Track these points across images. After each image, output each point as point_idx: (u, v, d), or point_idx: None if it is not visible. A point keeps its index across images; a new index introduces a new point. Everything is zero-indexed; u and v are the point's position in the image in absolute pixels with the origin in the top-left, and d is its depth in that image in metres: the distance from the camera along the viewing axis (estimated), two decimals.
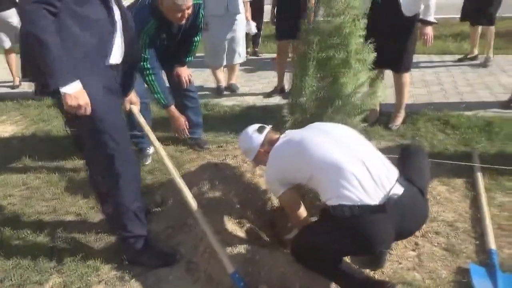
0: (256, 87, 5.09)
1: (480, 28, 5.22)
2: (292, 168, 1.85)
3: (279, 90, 4.70)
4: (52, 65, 1.68)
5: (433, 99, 4.33)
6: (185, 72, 3.15)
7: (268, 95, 4.68)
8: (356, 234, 1.58)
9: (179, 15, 2.61)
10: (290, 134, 2.00)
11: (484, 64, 5.18)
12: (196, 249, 2.20)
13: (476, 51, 5.43)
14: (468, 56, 5.45)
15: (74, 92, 1.74)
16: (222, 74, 4.98)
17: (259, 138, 2.03)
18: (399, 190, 1.62)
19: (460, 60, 5.47)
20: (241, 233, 2.29)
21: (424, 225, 2.35)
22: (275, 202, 2.65)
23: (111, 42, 1.90)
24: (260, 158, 2.05)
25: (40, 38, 1.65)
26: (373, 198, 1.59)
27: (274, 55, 5.87)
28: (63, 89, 1.71)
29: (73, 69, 1.74)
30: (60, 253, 2.31)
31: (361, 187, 1.59)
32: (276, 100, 4.58)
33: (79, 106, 1.76)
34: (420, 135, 3.50)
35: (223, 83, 4.95)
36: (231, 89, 4.91)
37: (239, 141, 2.18)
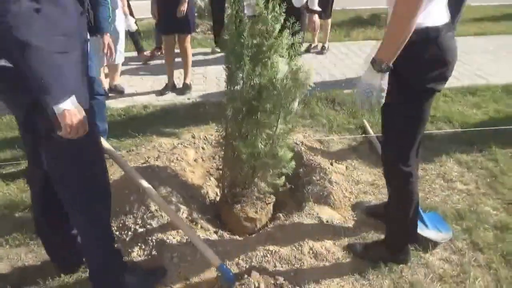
0: (142, 85, 4.83)
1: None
2: None
3: (170, 87, 4.57)
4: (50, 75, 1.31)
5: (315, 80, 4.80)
6: None
7: (160, 93, 4.51)
8: (440, 53, 1.64)
9: None
10: None
11: (321, 52, 5.94)
12: (160, 256, 2.08)
13: (316, 41, 6.15)
14: (312, 46, 6.12)
15: (75, 106, 1.38)
16: (103, 75, 4.58)
17: None
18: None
19: (307, 49, 6.06)
20: (200, 231, 2.24)
21: (354, 189, 2.70)
22: (212, 195, 2.64)
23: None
24: None
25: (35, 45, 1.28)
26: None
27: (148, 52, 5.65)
28: (63, 105, 1.34)
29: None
30: None
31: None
32: (171, 97, 4.45)
33: (80, 124, 1.41)
34: (317, 113, 3.88)
35: (106, 85, 4.56)
36: (117, 91, 4.57)
37: None
